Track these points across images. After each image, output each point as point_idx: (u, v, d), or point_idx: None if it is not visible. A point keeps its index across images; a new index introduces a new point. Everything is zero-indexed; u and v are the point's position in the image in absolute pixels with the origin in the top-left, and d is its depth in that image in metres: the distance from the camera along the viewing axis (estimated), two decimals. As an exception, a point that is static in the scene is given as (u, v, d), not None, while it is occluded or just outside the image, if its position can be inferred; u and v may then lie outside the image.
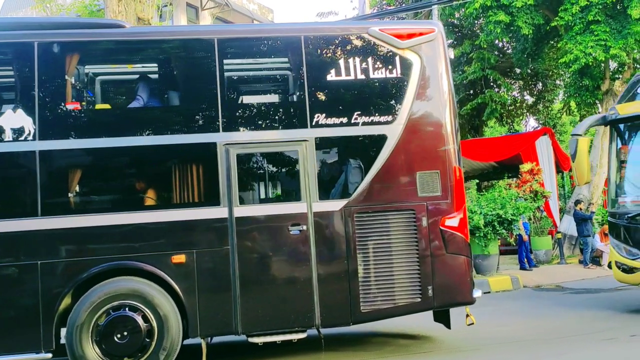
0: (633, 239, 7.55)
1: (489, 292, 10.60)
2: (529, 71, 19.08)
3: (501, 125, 22.52)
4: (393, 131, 5.94)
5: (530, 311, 8.37)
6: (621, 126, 7.96)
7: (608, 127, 8.32)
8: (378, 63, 6.04)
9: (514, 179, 14.92)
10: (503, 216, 11.30)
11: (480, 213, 11.28)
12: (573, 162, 7.83)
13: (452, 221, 5.94)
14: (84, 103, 5.92)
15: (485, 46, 17.79)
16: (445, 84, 6.13)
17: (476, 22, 18.73)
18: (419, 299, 5.85)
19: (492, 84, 19.49)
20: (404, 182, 5.93)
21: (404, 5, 19.63)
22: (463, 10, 17.57)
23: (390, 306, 5.84)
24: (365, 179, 5.88)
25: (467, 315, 6.22)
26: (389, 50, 6.06)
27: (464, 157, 16.53)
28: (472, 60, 18.35)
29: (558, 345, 6.24)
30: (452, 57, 15.66)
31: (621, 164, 8.03)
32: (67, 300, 5.49)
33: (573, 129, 8.32)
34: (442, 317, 6.46)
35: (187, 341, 5.85)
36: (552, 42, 17.94)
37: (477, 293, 6.04)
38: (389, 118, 5.96)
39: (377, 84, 6.04)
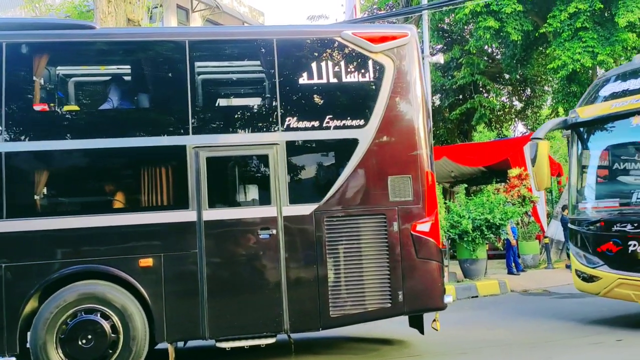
0: (593, 246, 7.20)
1: (477, 297, 10.62)
2: (517, 77, 19.13)
3: (490, 130, 22.54)
4: (365, 135, 5.90)
5: (518, 315, 8.35)
6: (582, 130, 7.64)
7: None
8: (350, 67, 6.01)
9: (502, 183, 14.94)
10: (491, 221, 11.31)
11: (469, 217, 11.30)
12: (533, 166, 7.53)
13: (424, 226, 5.90)
14: (52, 104, 5.86)
15: (474, 52, 17.84)
16: (418, 89, 6.10)
17: (466, 27, 18.80)
18: (389, 304, 5.81)
19: (481, 89, 19.53)
20: (375, 186, 5.89)
21: (394, 10, 19.66)
22: (453, 15, 17.62)
23: (360, 311, 5.79)
24: (336, 183, 5.84)
25: (434, 320, 6.17)
26: (361, 54, 6.02)
27: (453, 162, 16.77)
28: (461, 66, 18.40)
29: (545, 349, 6.22)
30: (442, 62, 15.64)
31: (582, 169, 7.76)
32: (32, 304, 5.43)
33: (533, 133, 8.03)
34: (417, 323, 6.41)
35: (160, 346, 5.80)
36: (541, 49, 18.01)
37: (448, 298, 6.00)
38: (361, 122, 5.93)
39: (349, 87, 6.01)
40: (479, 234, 11.32)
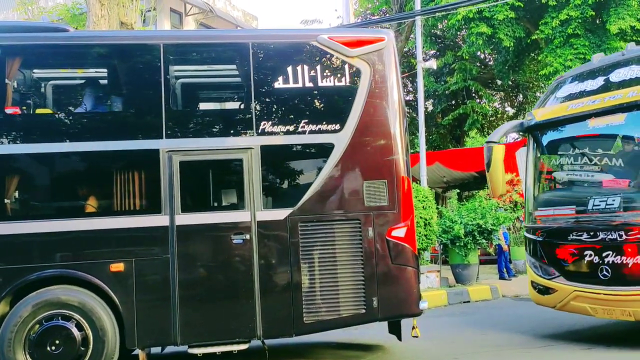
0: (549, 256, 6.72)
1: (469, 302, 10.60)
2: (510, 83, 19.18)
3: (482, 136, 22.54)
4: (340, 140, 5.86)
5: (510, 320, 8.31)
6: (538, 133, 7.16)
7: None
8: (327, 71, 5.97)
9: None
10: (483, 226, 11.32)
11: (461, 223, 11.31)
12: (487, 171, 7.05)
13: (399, 232, 5.85)
14: (24, 107, 5.83)
15: (467, 57, 17.88)
16: (395, 94, 6.06)
17: (459, 33, 18.83)
18: (364, 310, 5.75)
19: (473, 94, 19.56)
20: (350, 191, 5.84)
21: (387, 15, 19.68)
22: (446, 21, 17.65)
23: (334, 317, 5.73)
24: (311, 188, 5.79)
25: (413, 327, 6.12)
26: (337, 58, 5.99)
27: (445, 167, 16.74)
28: (454, 71, 18.43)
29: (538, 355, 6.20)
30: (435, 67, 15.66)
31: (539, 174, 7.27)
32: (3, 308, 5.35)
33: (489, 136, 7.52)
34: (395, 329, 6.36)
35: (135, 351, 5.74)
36: (533, 55, 18.05)
37: (423, 305, 5.94)
38: (337, 127, 5.89)
39: (325, 92, 5.97)
40: (471, 239, 11.32)
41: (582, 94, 6.71)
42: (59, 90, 6.40)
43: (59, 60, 6.12)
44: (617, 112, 6.21)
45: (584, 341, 6.79)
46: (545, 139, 7.16)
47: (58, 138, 5.58)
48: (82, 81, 6.06)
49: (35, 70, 6.16)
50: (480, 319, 8.65)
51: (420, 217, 11.03)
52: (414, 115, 18.43)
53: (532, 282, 7.04)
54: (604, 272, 6.11)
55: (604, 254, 6.11)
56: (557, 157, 7.11)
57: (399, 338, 6.31)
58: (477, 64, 19.53)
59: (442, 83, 19.07)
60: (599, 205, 6.31)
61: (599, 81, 6.67)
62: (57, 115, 6.05)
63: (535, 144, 7.24)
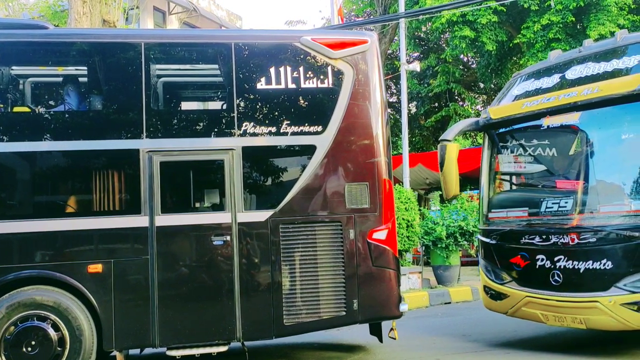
0: (501, 260, 6.48)
1: (450, 303, 10.65)
2: (492, 86, 19.36)
3: (465, 139, 22.73)
4: (322, 142, 5.85)
5: (491, 322, 8.33)
6: (494, 132, 6.87)
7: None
8: (309, 73, 5.95)
9: (477, 191, 15.01)
10: (465, 228, 11.40)
11: (443, 224, 11.37)
12: (441, 171, 6.83)
13: (380, 234, 5.86)
14: (1, 105, 5.73)
15: (450, 60, 18.02)
16: (378, 96, 6.07)
17: (442, 36, 18.96)
18: (344, 313, 5.75)
19: (456, 97, 19.72)
20: (331, 193, 5.83)
21: (372, 17, 19.76)
22: (430, 24, 17.77)
23: (314, 319, 5.72)
24: (293, 190, 5.77)
25: (392, 329, 6.14)
26: (320, 59, 5.98)
27: (428, 169, 16.83)
28: (437, 74, 18.56)
29: (519, 356, 6.21)
30: (418, 69, 15.76)
31: (494, 174, 6.96)
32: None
33: (442, 135, 7.09)
34: (376, 331, 6.37)
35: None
36: (515, 59, 18.25)
37: (404, 307, 5.96)
38: (319, 128, 5.88)
39: (307, 94, 5.95)
40: (452, 240, 11.40)
41: (538, 92, 6.45)
42: (37, 88, 6.31)
43: (38, 57, 6.01)
44: (571, 111, 5.98)
45: (567, 342, 6.81)
46: (500, 138, 6.89)
47: (36, 137, 5.48)
48: (61, 79, 5.97)
49: (13, 68, 6.05)
50: (462, 320, 8.70)
51: (403, 219, 11.08)
52: (398, 117, 18.53)
53: (484, 286, 6.83)
54: (556, 278, 5.87)
55: (555, 259, 5.88)
56: (511, 157, 6.87)
57: (380, 340, 6.33)
58: (460, 66, 19.71)
59: (426, 85, 19.19)
60: (551, 207, 6.10)
61: (555, 78, 6.44)
62: (35, 114, 5.96)
63: (490, 143, 6.97)
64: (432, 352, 6.52)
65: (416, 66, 15.29)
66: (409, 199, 11.40)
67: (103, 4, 11.08)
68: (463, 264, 12.86)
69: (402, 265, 11.49)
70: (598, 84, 5.86)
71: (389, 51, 18.67)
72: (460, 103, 19.85)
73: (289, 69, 5.90)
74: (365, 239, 5.81)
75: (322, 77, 5.97)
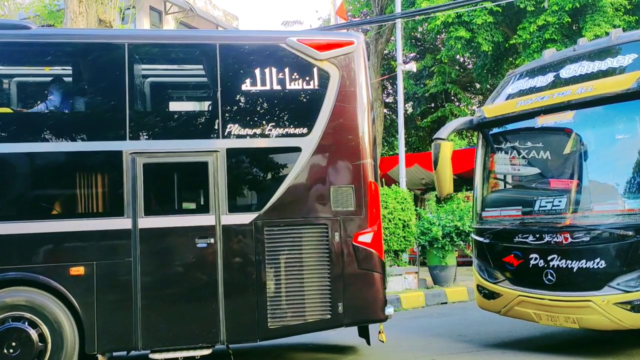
0: (494, 259, 6.47)
1: (446, 303, 10.63)
2: (488, 86, 19.34)
3: (461, 139, 22.72)
4: (308, 144, 5.81)
5: (487, 322, 8.31)
6: (488, 130, 6.85)
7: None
8: (295, 74, 5.90)
9: (472, 191, 14.96)
10: (461, 228, 11.36)
11: (439, 225, 11.35)
12: (435, 169, 6.76)
13: (365, 237, 5.82)
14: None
15: (446, 61, 17.98)
16: (364, 98, 6.02)
17: (438, 37, 18.94)
18: (329, 316, 5.70)
19: (452, 97, 19.70)
20: (317, 196, 5.79)
21: (368, 17, 19.72)
22: (426, 25, 17.73)
23: (299, 322, 5.68)
24: (278, 192, 5.73)
25: (380, 332, 6.10)
26: (306, 61, 5.92)
27: (424, 169, 16.80)
28: (433, 74, 18.54)
29: (515, 356, 6.18)
30: (415, 70, 15.73)
31: (488, 173, 6.95)
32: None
33: (436, 133, 7.04)
34: (364, 333, 6.33)
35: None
36: (511, 59, 18.22)
37: (389, 310, 5.92)
38: (304, 130, 5.84)
39: (293, 95, 5.91)
40: (448, 241, 11.37)
41: (532, 90, 6.43)
42: (19, 89, 6.26)
43: (20, 58, 5.96)
44: (565, 110, 5.96)
45: (563, 343, 6.77)
46: (494, 137, 6.87)
47: (19, 138, 5.45)
48: (44, 80, 5.93)
49: (-4, 69, 6.03)
50: (458, 321, 8.67)
51: (399, 219, 11.07)
52: (394, 117, 18.51)
53: (477, 285, 6.84)
54: (549, 277, 5.86)
55: (549, 258, 5.87)
56: (505, 156, 6.84)
57: (368, 342, 6.28)
58: (456, 67, 19.67)
59: (422, 86, 19.17)
60: (545, 206, 6.10)
61: (549, 77, 6.41)
62: (17, 115, 5.92)
63: (484, 142, 6.96)
64: (427, 353, 6.48)
65: (412, 67, 15.28)
66: (405, 199, 11.39)
67: (99, 3, 11.05)
68: (459, 264, 12.84)
69: (398, 266, 11.52)
70: (592, 82, 5.85)
71: (386, 51, 18.63)
72: (457, 103, 19.84)
73: (274, 70, 5.85)
74: (351, 242, 5.77)
75: (307, 78, 5.92)
